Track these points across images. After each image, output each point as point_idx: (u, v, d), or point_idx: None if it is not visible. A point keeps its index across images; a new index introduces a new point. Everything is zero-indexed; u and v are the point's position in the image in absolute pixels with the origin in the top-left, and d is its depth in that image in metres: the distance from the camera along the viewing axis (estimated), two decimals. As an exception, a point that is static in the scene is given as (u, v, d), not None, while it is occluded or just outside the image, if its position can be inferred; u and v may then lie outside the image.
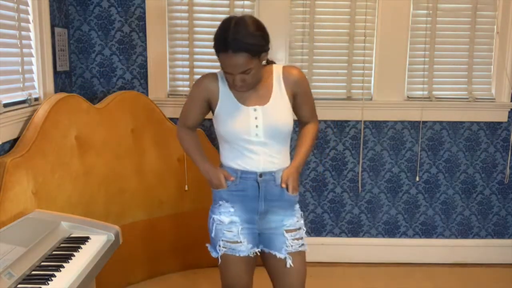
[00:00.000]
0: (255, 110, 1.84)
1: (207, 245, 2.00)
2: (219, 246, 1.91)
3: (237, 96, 1.86)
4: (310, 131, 2.06)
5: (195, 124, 2.02)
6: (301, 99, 1.95)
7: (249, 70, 1.75)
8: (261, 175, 1.88)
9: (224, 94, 1.87)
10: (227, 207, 1.91)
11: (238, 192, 1.91)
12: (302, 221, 1.98)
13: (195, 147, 2.02)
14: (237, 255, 1.90)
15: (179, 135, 2.04)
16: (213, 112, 1.92)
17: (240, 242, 1.90)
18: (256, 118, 1.84)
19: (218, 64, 3.15)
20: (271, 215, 1.92)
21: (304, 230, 1.98)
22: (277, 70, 1.91)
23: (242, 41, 1.71)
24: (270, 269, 1.99)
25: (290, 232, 1.92)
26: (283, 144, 1.93)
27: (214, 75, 1.92)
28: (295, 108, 1.96)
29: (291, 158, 2.00)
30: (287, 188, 1.91)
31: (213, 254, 1.96)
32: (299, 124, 2.10)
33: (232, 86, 1.84)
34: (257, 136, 1.85)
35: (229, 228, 1.90)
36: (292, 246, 1.91)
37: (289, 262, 1.90)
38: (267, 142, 1.86)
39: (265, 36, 1.79)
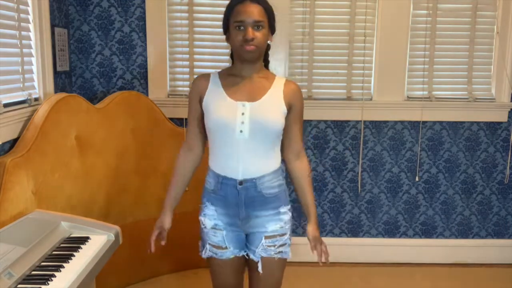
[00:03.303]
0: (243, 105, 1.78)
1: (199, 242, 2.00)
2: (206, 249, 1.92)
3: (226, 90, 1.82)
4: (307, 172, 1.96)
5: (197, 137, 1.92)
6: (294, 114, 1.86)
7: (261, 24, 1.75)
8: (241, 182, 1.81)
9: (213, 86, 1.84)
10: (211, 209, 1.90)
11: (221, 197, 1.87)
12: (288, 226, 1.90)
13: (176, 181, 1.99)
14: (223, 258, 1.89)
15: (178, 159, 1.97)
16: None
17: (226, 247, 1.88)
18: (243, 113, 1.77)
19: (218, 64, 3.18)
20: (254, 219, 1.87)
21: (289, 236, 1.91)
22: (279, 79, 1.88)
23: None
24: (248, 268, 1.97)
25: (269, 238, 1.87)
26: (269, 146, 1.84)
27: (205, 74, 1.91)
28: (286, 127, 1.87)
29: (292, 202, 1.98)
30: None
31: (201, 254, 1.97)
32: (288, 161, 1.95)
33: (242, 46, 1.75)
34: (242, 133, 1.77)
35: (214, 232, 1.89)
36: (266, 251, 1.87)
37: (260, 267, 1.87)
38: (251, 142, 1.79)
39: (274, 15, 1.83)
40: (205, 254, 1.94)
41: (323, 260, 1.93)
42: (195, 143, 1.94)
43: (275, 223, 1.87)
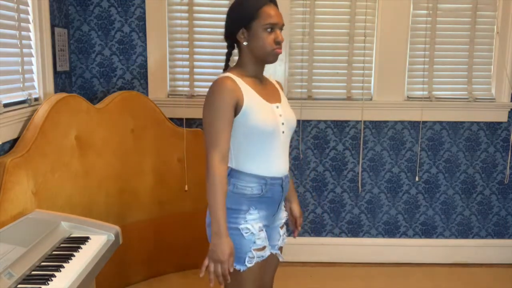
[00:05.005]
0: (277, 107, 1.81)
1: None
2: (250, 257, 1.76)
3: (258, 93, 1.79)
4: None
5: (228, 145, 1.74)
6: None
7: (283, 27, 1.80)
8: (283, 179, 1.86)
9: (246, 90, 1.77)
10: (254, 214, 1.78)
11: (268, 198, 1.81)
12: None
13: (224, 198, 1.70)
14: (265, 257, 1.82)
15: (217, 173, 1.68)
16: (236, 114, 1.73)
17: (266, 245, 1.82)
18: (280, 115, 1.80)
19: (217, 64, 3.18)
20: (278, 213, 1.92)
21: None
22: (271, 79, 1.97)
23: None
24: None
25: (282, 228, 1.95)
26: None
27: (229, 77, 1.76)
28: None
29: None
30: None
31: (239, 267, 1.76)
32: None
33: (273, 49, 1.77)
34: (284, 133, 1.81)
35: (259, 235, 1.78)
36: (283, 240, 1.95)
37: (282, 257, 1.94)
38: (286, 140, 1.85)
39: None
40: (250, 262, 1.76)
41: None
42: (227, 153, 1.74)
43: (283, 212, 1.97)
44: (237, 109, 1.73)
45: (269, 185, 1.80)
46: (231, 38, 1.83)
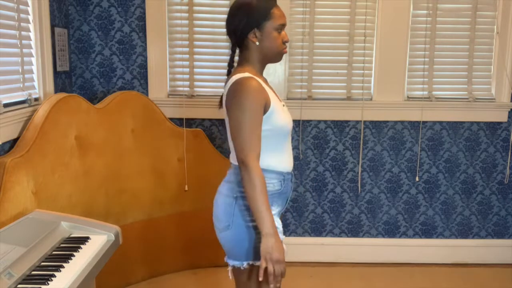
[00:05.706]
0: (284, 106, 1.88)
1: (245, 263, 1.79)
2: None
3: (274, 93, 1.86)
4: None
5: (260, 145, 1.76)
6: None
7: None
8: (292, 174, 1.92)
9: (268, 90, 1.81)
10: (275, 210, 1.82)
11: (284, 194, 1.87)
12: None
13: (267, 198, 1.71)
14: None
15: (258, 174, 1.68)
16: (264, 114, 1.76)
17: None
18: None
19: (217, 64, 3.17)
20: None
21: None
22: None
23: None
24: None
25: (280, 218, 1.91)
26: None
27: (253, 77, 1.76)
28: None
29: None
30: None
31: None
32: None
33: (283, 49, 1.84)
34: (291, 131, 1.89)
35: (279, 230, 1.77)
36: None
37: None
38: (290, 137, 1.92)
39: None
40: None
41: None
42: (260, 152, 1.75)
43: None
44: (265, 109, 1.75)
45: (286, 180, 1.86)
46: (240, 37, 1.81)
